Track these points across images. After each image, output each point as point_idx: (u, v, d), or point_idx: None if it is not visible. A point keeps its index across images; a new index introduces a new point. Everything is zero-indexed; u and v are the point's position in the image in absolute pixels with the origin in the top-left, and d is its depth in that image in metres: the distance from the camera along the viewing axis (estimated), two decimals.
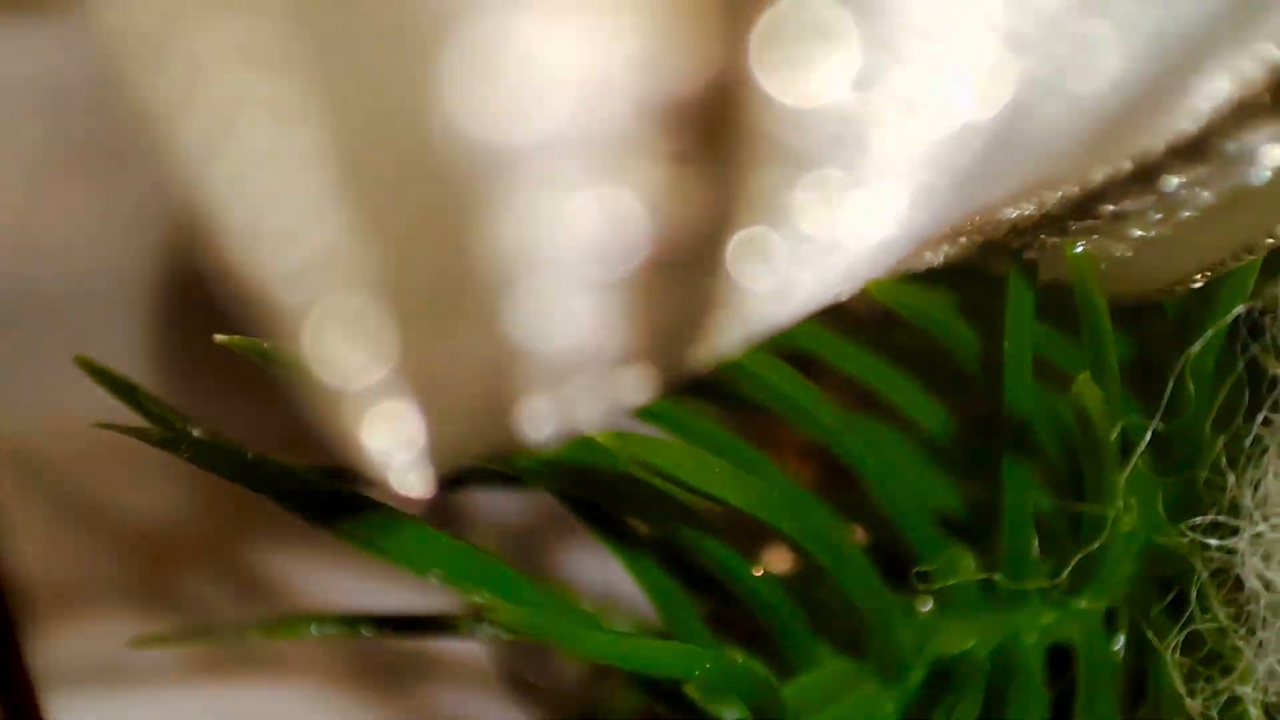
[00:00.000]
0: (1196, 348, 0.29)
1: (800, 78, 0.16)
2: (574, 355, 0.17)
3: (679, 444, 0.28)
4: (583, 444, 0.27)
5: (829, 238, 0.17)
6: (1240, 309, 0.29)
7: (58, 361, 0.35)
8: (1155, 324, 0.31)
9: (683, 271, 0.17)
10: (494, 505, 0.37)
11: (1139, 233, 0.26)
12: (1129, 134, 0.22)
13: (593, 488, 0.29)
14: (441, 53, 0.14)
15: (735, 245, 0.17)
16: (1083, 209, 0.25)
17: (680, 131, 0.15)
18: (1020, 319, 0.28)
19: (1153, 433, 0.30)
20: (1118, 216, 0.26)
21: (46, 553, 0.36)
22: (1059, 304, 0.29)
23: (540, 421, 0.20)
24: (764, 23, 0.15)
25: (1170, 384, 0.30)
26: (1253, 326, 0.30)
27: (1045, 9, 0.17)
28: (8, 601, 0.35)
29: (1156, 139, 0.23)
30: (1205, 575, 0.28)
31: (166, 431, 0.27)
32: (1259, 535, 0.28)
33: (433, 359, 0.17)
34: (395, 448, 0.18)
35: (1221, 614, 0.28)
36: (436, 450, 0.18)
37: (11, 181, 0.41)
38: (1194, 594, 0.29)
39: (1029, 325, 0.29)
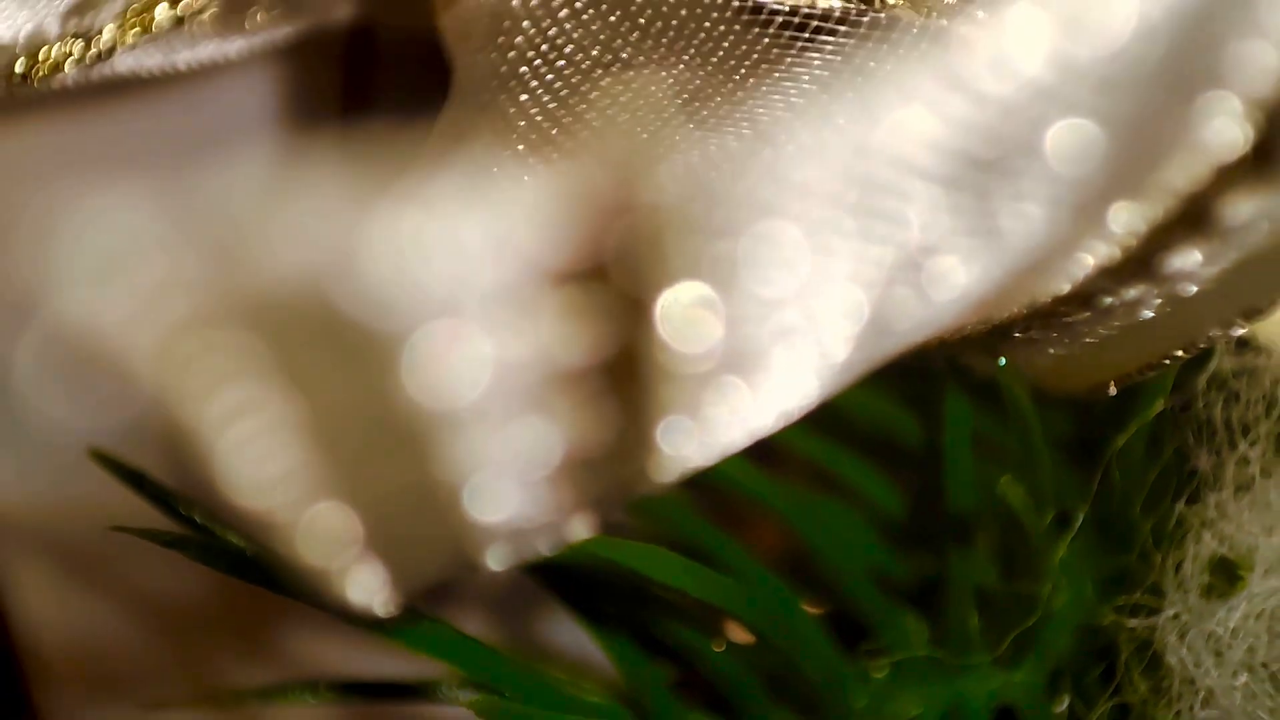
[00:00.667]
0: (1121, 440, 0.31)
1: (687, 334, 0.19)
2: (517, 521, 0.20)
3: (640, 545, 0.30)
4: None
5: (740, 421, 0.20)
6: (1167, 402, 0.31)
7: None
8: (1098, 407, 0.33)
9: (613, 456, 0.20)
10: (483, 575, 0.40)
11: (1084, 339, 0.29)
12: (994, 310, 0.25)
13: (565, 575, 0.31)
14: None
15: (661, 428, 0.20)
16: (1013, 327, 0.28)
17: (601, 354, 0.18)
18: (958, 419, 0.31)
19: (1095, 514, 0.32)
20: (1056, 329, 0.28)
21: (59, 621, 0.38)
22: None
23: (497, 555, 0.22)
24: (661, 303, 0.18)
25: (1100, 471, 0.32)
26: (1179, 416, 0.32)
27: (884, 261, 0.20)
28: (21, 666, 0.37)
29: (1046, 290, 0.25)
30: (1129, 652, 0.30)
31: (173, 532, 0.29)
32: (1175, 616, 0.30)
33: (401, 531, 0.20)
34: (363, 592, 0.21)
35: (1143, 686, 0.30)
36: (399, 584, 0.21)
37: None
38: (1121, 667, 0.31)
39: (966, 424, 0.31)
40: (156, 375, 0.17)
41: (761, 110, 0.28)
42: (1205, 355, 0.32)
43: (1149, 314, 0.26)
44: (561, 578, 0.32)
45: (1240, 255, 0.25)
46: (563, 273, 0.18)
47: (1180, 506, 0.31)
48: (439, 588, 0.39)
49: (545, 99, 0.28)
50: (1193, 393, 0.32)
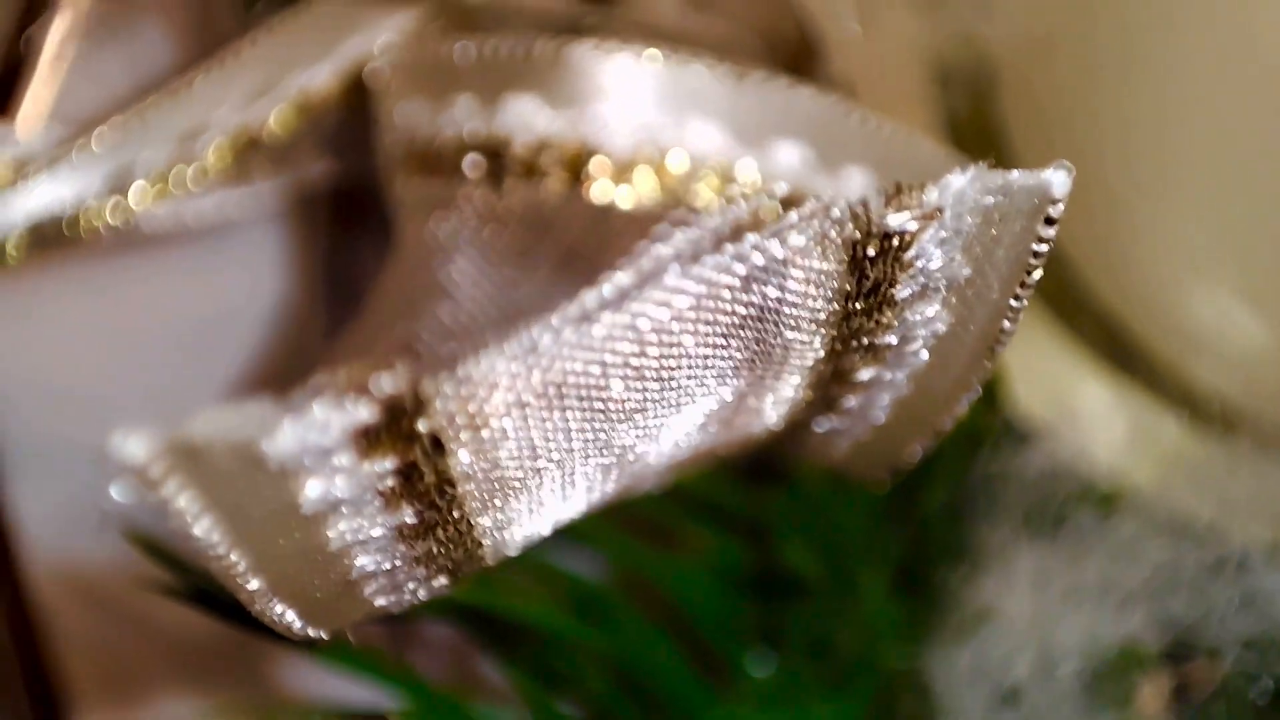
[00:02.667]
0: (925, 508, 0.40)
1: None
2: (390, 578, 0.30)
3: (529, 592, 0.40)
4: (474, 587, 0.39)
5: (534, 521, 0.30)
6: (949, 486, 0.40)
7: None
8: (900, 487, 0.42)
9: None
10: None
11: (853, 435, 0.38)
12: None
13: (473, 618, 0.41)
14: None
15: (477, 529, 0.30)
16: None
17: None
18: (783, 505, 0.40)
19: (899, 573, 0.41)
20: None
21: (93, 657, 0.47)
22: None
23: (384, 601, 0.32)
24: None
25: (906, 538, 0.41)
26: (961, 494, 0.41)
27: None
28: (55, 696, 0.46)
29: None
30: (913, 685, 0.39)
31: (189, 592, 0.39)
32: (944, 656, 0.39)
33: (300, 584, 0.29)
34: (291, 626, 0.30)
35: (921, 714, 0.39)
36: (314, 621, 0.31)
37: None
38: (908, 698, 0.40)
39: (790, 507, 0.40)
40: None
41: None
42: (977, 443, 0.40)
43: (880, 414, 0.35)
44: (476, 620, 0.41)
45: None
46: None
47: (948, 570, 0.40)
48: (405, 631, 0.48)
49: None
50: (970, 476, 0.40)
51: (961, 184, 0.28)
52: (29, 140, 0.46)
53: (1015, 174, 0.28)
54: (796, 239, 0.27)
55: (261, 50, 0.45)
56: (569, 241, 0.38)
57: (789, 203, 0.38)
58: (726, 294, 0.29)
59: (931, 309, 0.30)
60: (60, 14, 0.48)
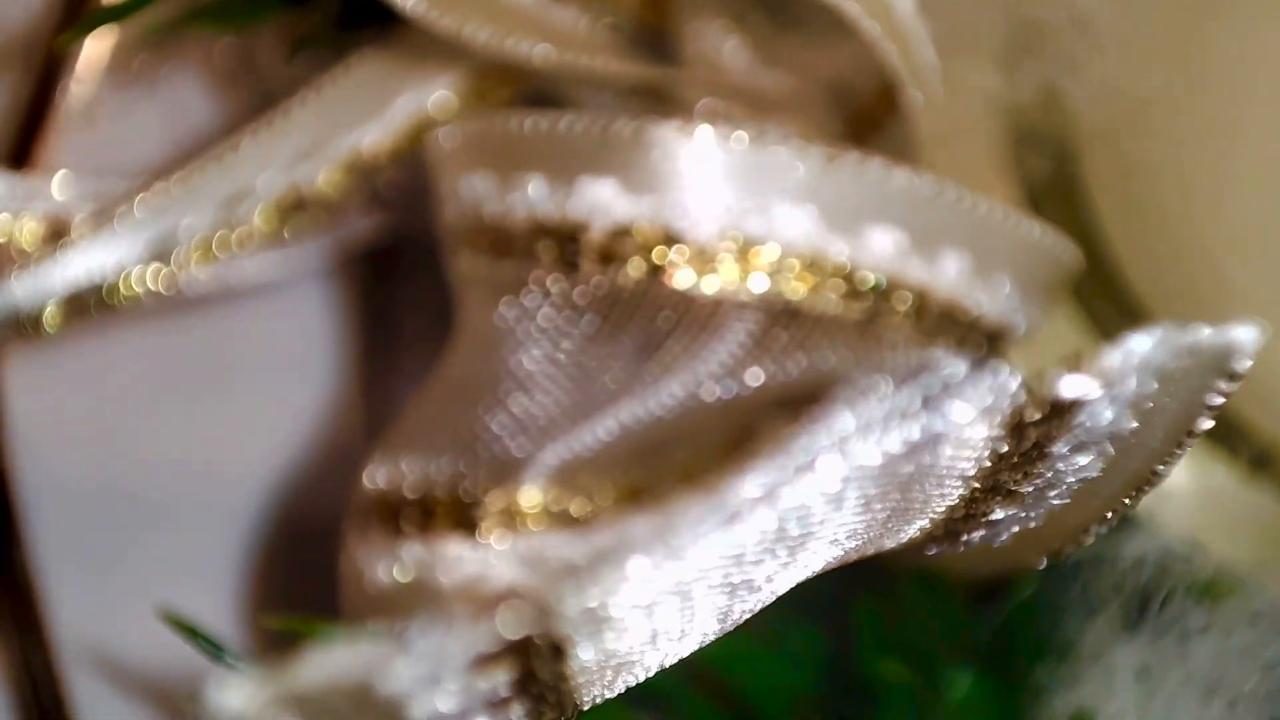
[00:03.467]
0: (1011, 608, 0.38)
1: None
2: None
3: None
4: None
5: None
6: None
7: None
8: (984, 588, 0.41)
9: None
10: None
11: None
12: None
13: None
14: None
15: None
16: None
17: None
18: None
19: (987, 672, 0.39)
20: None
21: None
22: None
23: None
24: None
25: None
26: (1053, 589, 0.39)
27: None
28: None
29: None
30: None
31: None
32: None
33: None
34: None
35: None
36: None
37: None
38: None
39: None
40: None
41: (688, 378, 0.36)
42: None
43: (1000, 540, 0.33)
44: None
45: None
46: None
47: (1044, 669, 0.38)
48: None
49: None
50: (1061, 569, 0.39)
51: (1146, 350, 0.26)
52: (62, 194, 0.44)
53: (1204, 334, 0.26)
54: (963, 412, 0.25)
55: (311, 110, 0.43)
56: (649, 331, 0.36)
57: (885, 292, 0.36)
58: (878, 470, 0.27)
59: (1085, 459, 0.29)
60: (87, 63, 0.46)
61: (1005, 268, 0.38)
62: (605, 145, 0.36)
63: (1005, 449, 0.27)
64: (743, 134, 0.35)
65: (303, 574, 0.46)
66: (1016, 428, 0.27)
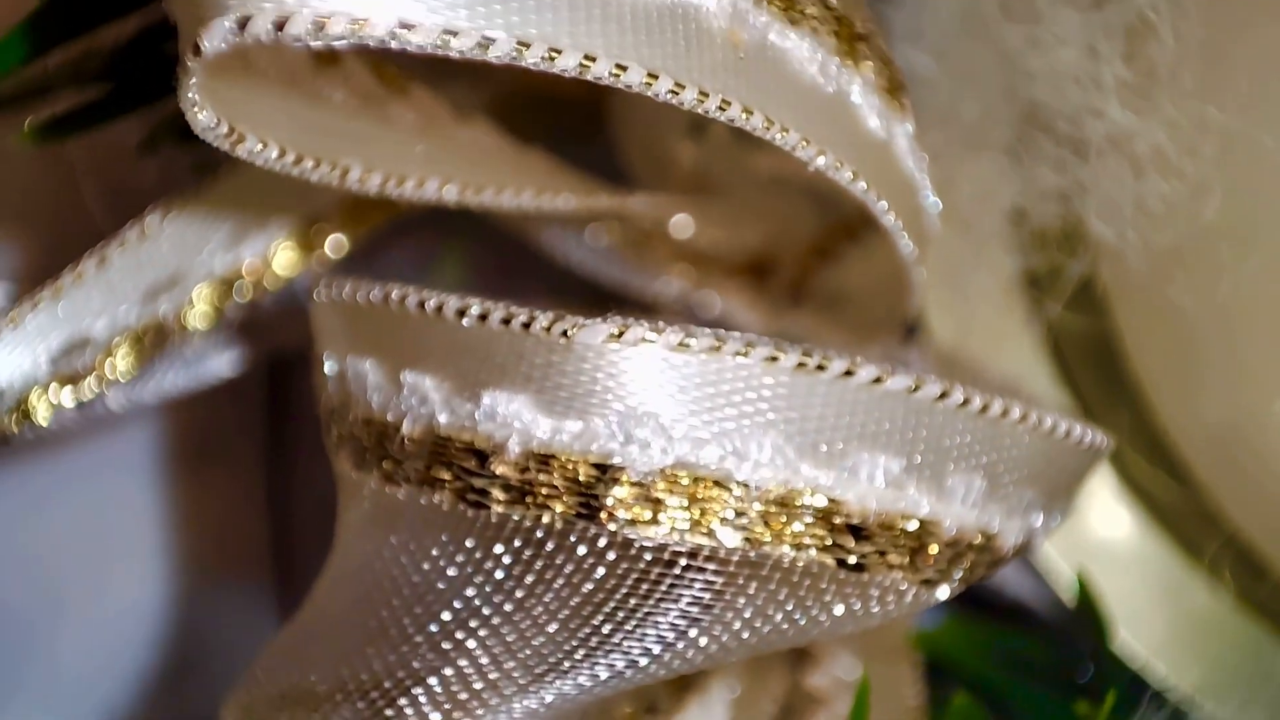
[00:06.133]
0: None
1: None
2: None
3: None
4: None
5: None
6: None
7: None
8: None
9: None
10: None
11: None
12: None
13: None
14: None
15: None
16: None
17: None
18: None
19: None
20: None
21: None
22: None
23: None
24: None
25: None
26: None
27: None
28: None
29: None
30: None
31: None
32: None
33: None
34: None
35: None
36: None
37: None
38: None
39: None
40: None
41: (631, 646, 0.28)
42: None
43: None
44: None
45: None
46: None
47: None
48: None
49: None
50: None
51: None
52: None
53: None
54: None
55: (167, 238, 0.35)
56: (577, 582, 0.29)
57: (871, 534, 0.29)
58: None
59: None
60: None
61: (1026, 483, 0.30)
62: (519, 351, 0.28)
63: None
64: (694, 341, 0.28)
65: None
66: None
